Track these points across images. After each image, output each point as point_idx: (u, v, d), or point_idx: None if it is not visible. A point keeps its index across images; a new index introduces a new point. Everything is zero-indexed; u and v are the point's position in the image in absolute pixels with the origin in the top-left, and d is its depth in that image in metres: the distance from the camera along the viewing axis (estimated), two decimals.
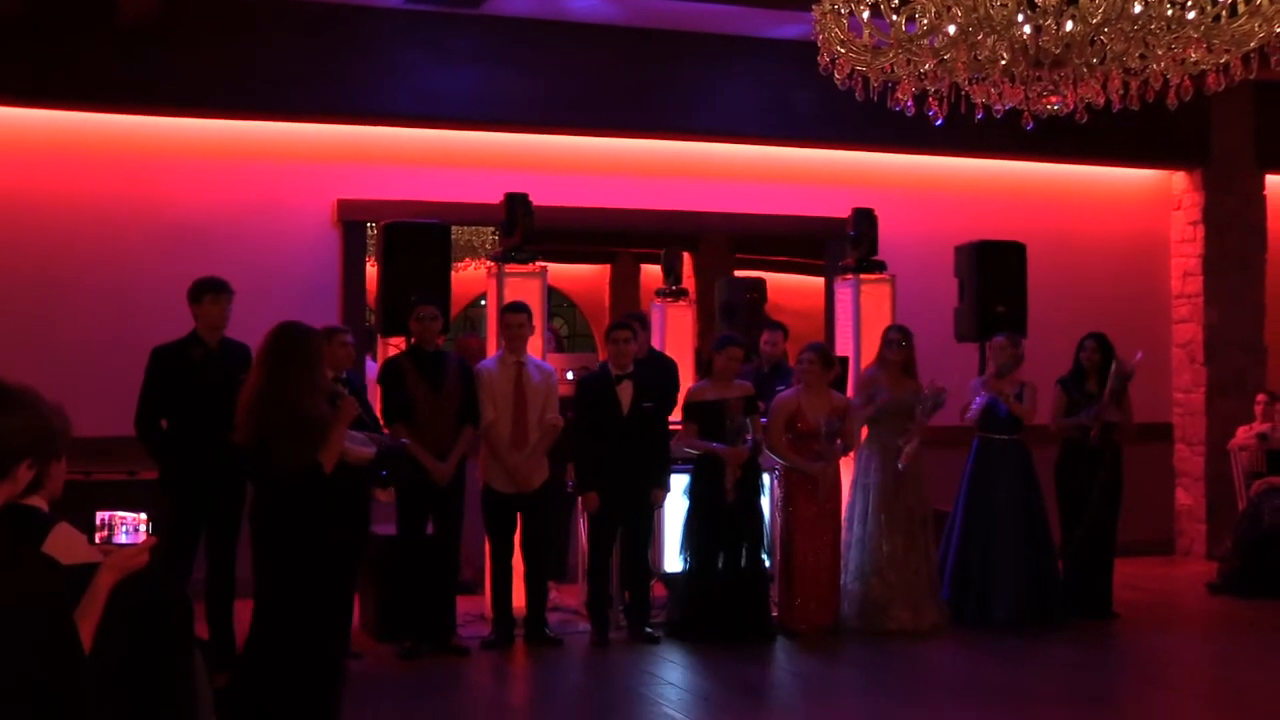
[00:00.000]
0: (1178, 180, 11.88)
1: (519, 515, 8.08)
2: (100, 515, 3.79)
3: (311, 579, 5.11)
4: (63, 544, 3.54)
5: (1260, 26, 5.48)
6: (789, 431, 8.46)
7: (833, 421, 8.39)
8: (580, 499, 8.32)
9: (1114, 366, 8.88)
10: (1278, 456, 10.19)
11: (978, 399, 8.79)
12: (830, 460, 8.47)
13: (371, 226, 10.29)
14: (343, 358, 7.39)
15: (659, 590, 8.67)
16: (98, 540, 3.76)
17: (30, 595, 3.32)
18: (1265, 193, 11.82)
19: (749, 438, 8.32)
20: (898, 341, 8.70)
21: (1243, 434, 10.84)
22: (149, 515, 3.84)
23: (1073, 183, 11.67)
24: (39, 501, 3.61)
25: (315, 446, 5.11)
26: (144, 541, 3.70)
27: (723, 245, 15.55)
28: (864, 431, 8.78)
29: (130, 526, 3.79)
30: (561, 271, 16.73)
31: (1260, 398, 10.84)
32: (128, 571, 3.58)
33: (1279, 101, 11.38)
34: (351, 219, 9.81)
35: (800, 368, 8.62)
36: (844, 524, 8.70)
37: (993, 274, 9.52)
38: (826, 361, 8.60)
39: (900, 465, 8.52)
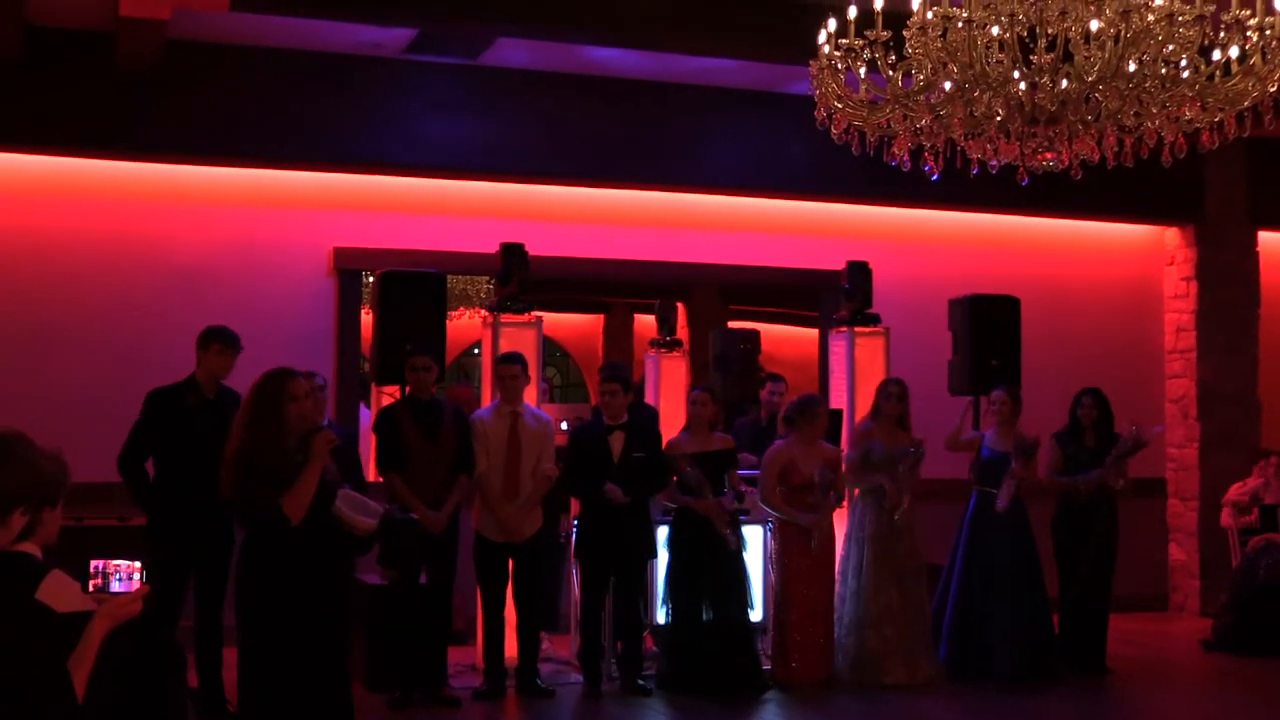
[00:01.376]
0: (1170, 236, 11.93)
1: (511, 565, 8.05)
2: (94, 563, 3.76)
3: (286, 634, 4.94)
4: (56, 592, 3.52)
5: (1254, 86, 5.51)
6: (782, 484, 8.44)
7: (825, 473, 8.39)
8: (580, 534, 8.26)
9: (1132, 431, 8.86)
10: (1271, 513, 10.17)
11: (1006, 488, 8.73)
12: (824, 513, 8.45)
13: (367, 275, 10.31)
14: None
15: (649, 642, 8.62)
16: (91, 588, 3.72)
17: (23, 643, 3.30)
18: (1258, 249, 11.88)
19: (726, 491, 8.29)
20: (896, 395, 8.70)
21: (1236, 490, 10.82)
22: (143, 563, 3.80)
23: (1066, 237, 11.72)
24: (32, 548, 3.60)
25: (275, 492, 4.95)
26: (138, 590, 3.68)
27: (716, 296, 15.57)
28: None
29: (124, 574, 3.75)
30: (555, 321, 16.73)
31: (1263, 463, 10.75)
32: (122, 620, 3.57)
33: (1271, 158, 11.46)
34: (347, 267, 9.83)
35: (791, 421, 8.62)
36: (838, 576, 8.68)
37: (986, 327, 9.55)
38: (819, 415, 8.60)
39: (895, 519, 8.50)
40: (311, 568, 4.95)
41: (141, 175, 9.45)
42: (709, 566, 8.23)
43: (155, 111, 9.03)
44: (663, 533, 8.46)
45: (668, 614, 8.34)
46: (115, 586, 3.73)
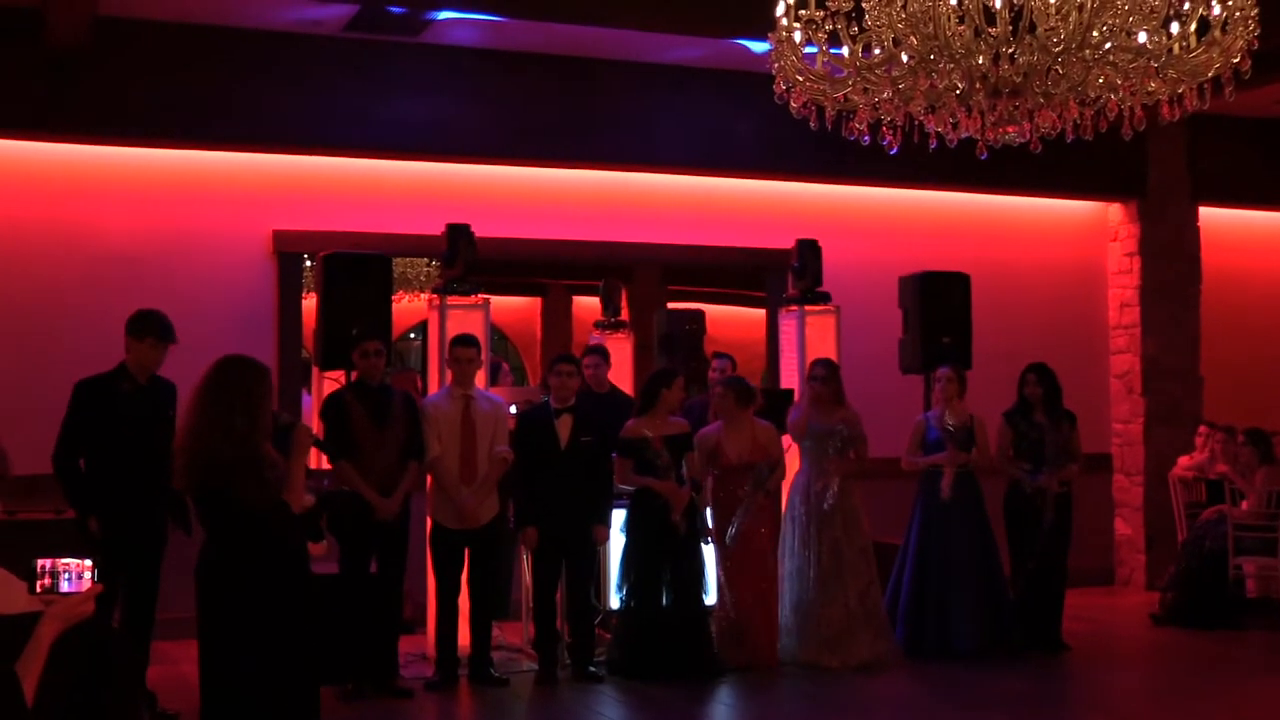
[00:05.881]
0: (1114, 212, 11.96)
1: (467, 552, 7.91)
2: (41, 562, 3.55)
3: (265, 631, 4.72)
4: (1, 593, 3.35)
5: (1218, 57, 5.47)
6: (713, 467, 8.33)
7: (760, 470, 8.26)
8: (520, 535, 8.14)
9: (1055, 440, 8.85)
10: (1217, 487, 10.22)
11: (945, 477, 8.68)
12: (746, 507, 8.24)
13: (308, 258, 10.10)
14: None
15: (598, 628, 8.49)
16: (39, 589, 3.52)
17: None
18: (1199, 224, 11.93)
19: (684, 474, 8.19)
20: (822, 378, 8.60)
21: (1183, 463, 10.88)
22: (94, 561, 3.60)
23: (1012, 215, 11.71)
24: None
25: (278, 486, 4.72)
26: (89, 589, 3.50)
27: (658, 277, 15.44)
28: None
29: (74, 573, 3.56)
30: (493, 304, 16.54)
31: (1202, 429, 10.88)
32: (72, 622, 3.40)
33: (1212, 134, 11.51)
34: (288, 250, 9.62)
35: (713, 402, 8.52)
36: (780, 559, 8.60)
37: (937, 305, 9.51)
38: (738, 394, 8.41)
39: (826, 506, 8.41)
40: (284, 562, 4.76)
41: (72, 157, 9.18)
42: (667, 550, 8.11)
43: (87, 91, 8.77)
44: (618, 516, 8.32)
45: (623, 599, 8.21)
46: (65, 586, 3.53)
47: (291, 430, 4.86)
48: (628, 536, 8.24)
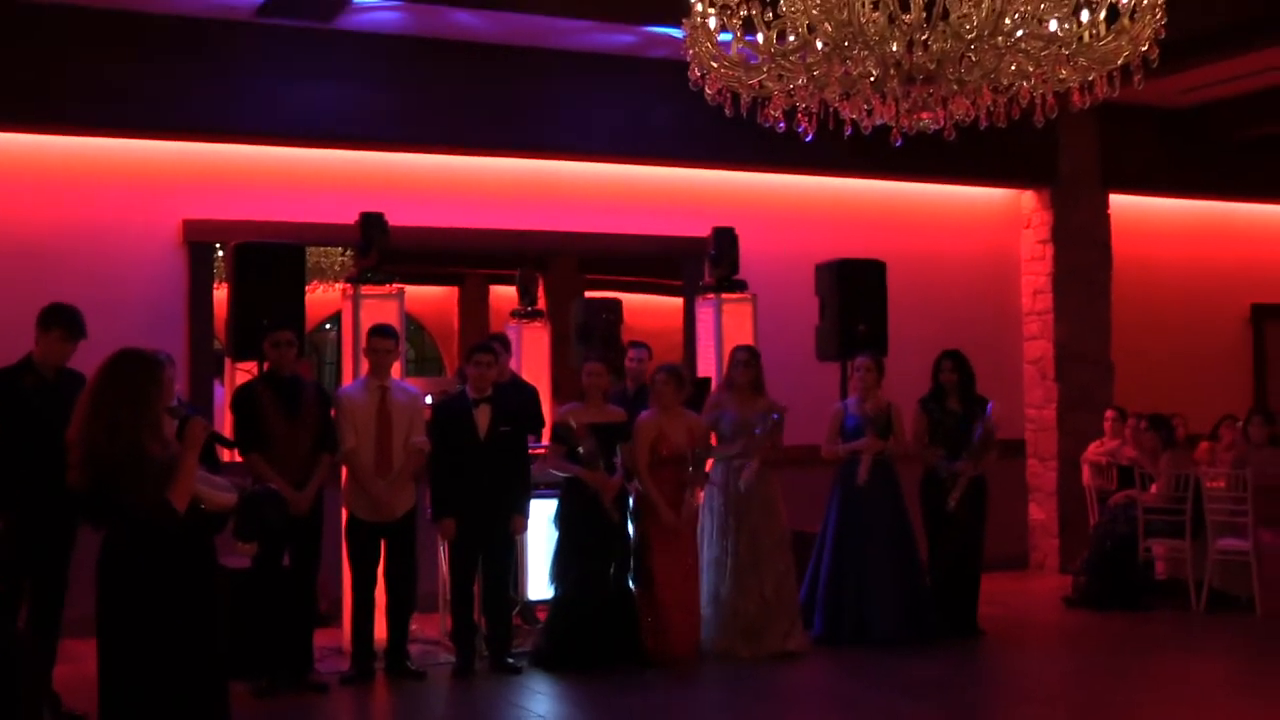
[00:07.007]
0: (1027, 199, 12.09)
1: (383, 544, 7.83)
2: None
3: (166, 630, 4.59)
4: None
5: (1127, 45, 5.53)
6: (651, 455, 8.28)
7: (699, 452, 8.25)
8: (438, 526, 8.07)
9: (982, 428, 8.89)
10: (1128, 472, 10.37)
11: (863, 464, 8.69)
12: (692, 495, 8.27)
13: (219, 248, 9.94)
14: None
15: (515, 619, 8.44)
16: None
17: None
18: (1109, 211, 12.09)
19: (617, 463, 8.15)
20: (744, 361, 8.61)
21: (1094, 449, 11.03)
22: None
23: (926, 204, 11.80)
24: None
25: (162, 485, 4.58)
26: None
27: (575, 266, 15.39)
28: None
29: None
30: (409, 293, 16.36)
31: (1109, 414, 11.05)
32: None
33: (1122, 122, 11.68)
34: (199, 240, 9.47)
35: (654, 389, 8.46)
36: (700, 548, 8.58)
37: (853, 292, 9.53)
38: (679, 381, 8.43)
39: (741, 487, 8.41)
40: (187, 559, 4.65)
41: None
42: (602, 540, 8.09)
43: None
44: (549, 506, 8.27)
45: (560, 590, 8.15)
46: None
47: (186, 424, 4.70)
48: (560, 527, 8.19)
